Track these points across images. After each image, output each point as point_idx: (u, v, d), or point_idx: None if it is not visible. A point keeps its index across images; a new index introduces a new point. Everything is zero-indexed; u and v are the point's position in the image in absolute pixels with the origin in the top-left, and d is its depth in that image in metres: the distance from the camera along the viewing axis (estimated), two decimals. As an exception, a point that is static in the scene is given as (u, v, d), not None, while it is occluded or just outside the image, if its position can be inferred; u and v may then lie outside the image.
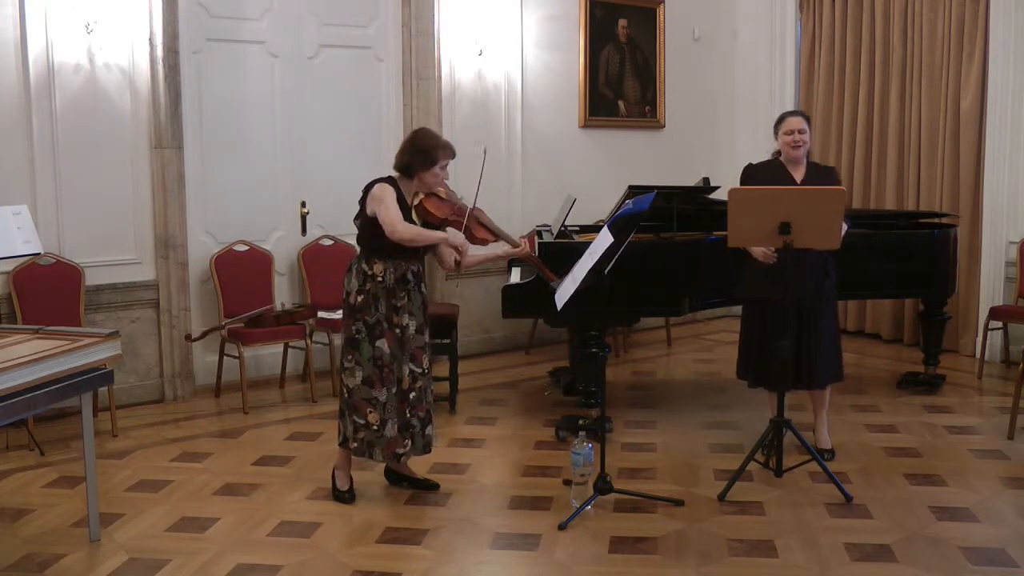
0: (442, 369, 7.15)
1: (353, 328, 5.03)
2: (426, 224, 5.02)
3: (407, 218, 4.94)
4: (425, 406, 5.14)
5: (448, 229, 5.09)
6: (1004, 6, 7.99)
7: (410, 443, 5.09)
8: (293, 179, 7.77)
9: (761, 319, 5.60)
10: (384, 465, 5.38)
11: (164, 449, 6.13)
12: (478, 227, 5.11)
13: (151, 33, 6.86)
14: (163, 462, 5.88)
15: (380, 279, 4.97)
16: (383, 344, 4.99)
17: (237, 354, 6.94)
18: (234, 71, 7.50)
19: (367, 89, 8.13)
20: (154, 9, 6.84)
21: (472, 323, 8.58)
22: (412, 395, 5.05)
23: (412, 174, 4.99)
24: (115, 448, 6.14)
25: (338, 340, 5.89)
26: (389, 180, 4.99)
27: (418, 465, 5.51)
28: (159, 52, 6.89)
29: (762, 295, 5.53)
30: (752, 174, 5.72)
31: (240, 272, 7.39)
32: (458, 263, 5.06)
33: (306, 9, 7.76)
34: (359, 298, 5.00)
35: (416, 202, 5.02)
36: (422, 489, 5.33)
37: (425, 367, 5.11)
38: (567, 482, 5.24)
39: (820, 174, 5.65)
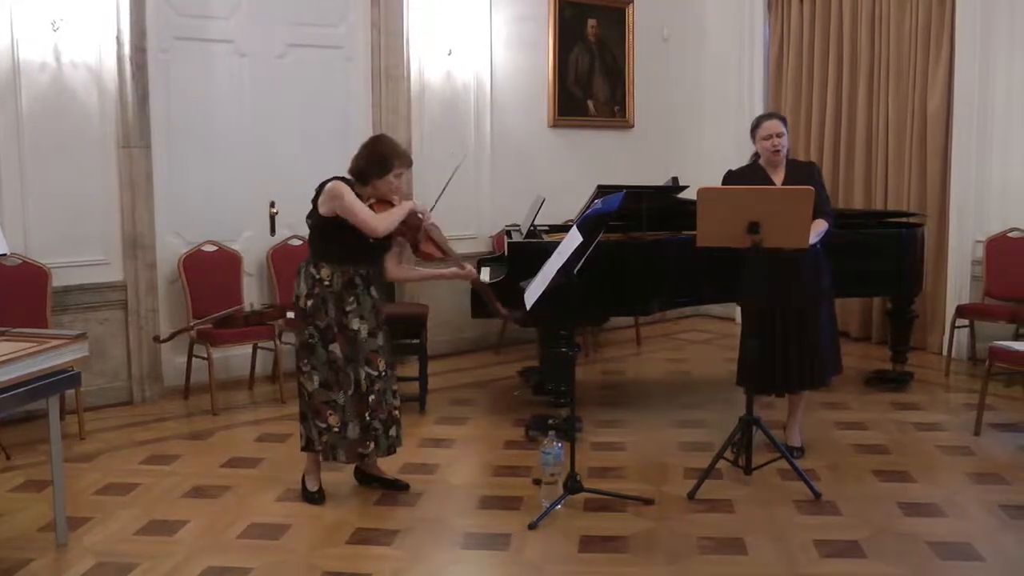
0: (411, 369, 7.14)
1: (307, 332, 5.00)
2: None
3: None
4: (386, 408, 5.10)
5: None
6: (970, 8, 8.06)
7: (373, 444, 5.07)
8: (262, 179, 7.73)
9: (760, 322, 5.59)
10: (354, 466, 5.37)
11: (132, 452, 6.09)
12: (427, 242, 5.10)
13: (118, 31, 6.81)
14: (131, 465, 5.84)
15: (327, 283, 4.94)
16: (336, 348, 4.97)
17: (206, 355, 6.90)
18: (202, 70, 7.45)
19: (336, 89, 8.11)
20: (121, 7, 6.79)
21: (442, 323, 8.56)
22: (371, 398, 5.02)
23: (366, 181, 4.97)
24: (83, 451, 6.09)
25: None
26: (345, 181, 4.96)
27: (388, 465, 5.49)
28: (126, 51, 6.84)
29: (760, 299, 5.52)
30: (732, 180, 5.71)
31: (209, 272, 7.35)
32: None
33: (275, 8, 7.72)
34: (309, 302, 4.98)
35: (368, 205, 4.99)
36: (392, 489, 5.31)
37: (381, 370, 5.06)
38: (537, 482, 5.24)
39: (801, 172, 5.66)
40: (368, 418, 5.03)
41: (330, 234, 4.89)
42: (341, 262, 4.94)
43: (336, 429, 5.01)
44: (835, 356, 5.86)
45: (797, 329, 5.60)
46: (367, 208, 4.86)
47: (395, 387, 5.23)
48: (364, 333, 5.00)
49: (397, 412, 5.22)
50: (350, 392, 5.00)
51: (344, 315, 4.96)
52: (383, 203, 5.01)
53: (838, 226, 7.19)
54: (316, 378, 5.01)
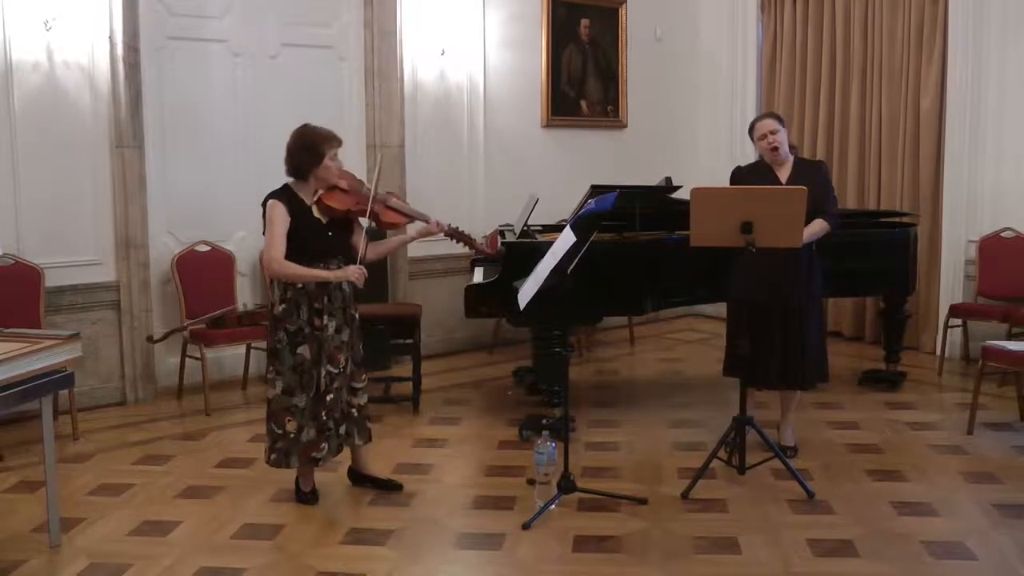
0: (405, 369, 7.14)
1: (275, 338, 4.97)
2: (331, 221, 4.98)
3: (310, 221, 4.90)
4: (340, 406, 5.04)
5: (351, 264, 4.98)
6: (963, 8, 8.07)
7: (326, 446, 5.01)
8: (255, 179, 7.65)
9: (748, 319, 5.61)
10: (347, 466, 5.37)
11: (126, 452, 6.08)
12: (387, 211, 5.07)
13: (111, 31, 6.80)
14: (125, 465, 5.83)
15: (300, 286, 4.91)
16: (304, 351, 4.93)
17: (199, 355, 6.89)
18: (196, 70, 7.45)
19: (329, 89, 8.10)
20: (114, 6, 6.78)
21: (435, 323, 8.57)
22: (329, 397, 4.97)
23: (306, 175, 4.95)
24: (76, 452, 6.08)
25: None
26: (282, 191, 4.95)
27: (381, 465, 5.50)
28: (120, 50, 6.83)
29: (746, 296, 5.55)
30: (739, 176, 5.74)
31: (202, 273, 7.34)
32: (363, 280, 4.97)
33: (268, 8, 7.72)
34: (281, 307, 4.94)
35: (316, 199, 4.98)
36: (385, 489, 5.31)
37: (341, 367, 5.01)
38: (531, 482, 5.25)
39: (807, 170, 5.67)
40: (324, 418, 4.98)
41: (290, 241, 4.85)
42: (311, 261, 4.90)
43: (292, 435, 4.96)
44: (822, 361, 5.85)
45: (783, 328, 5.60)
46: (280, 244, 4.80)
47: (360, 385, 5.17)
48: (331, 329, 4.97)
49: (354, 411, 5.15)
50: (311, 394, 4.96)
51: (316, 314, 4.93)
52: (332, 192, 4.99)
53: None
54: (279, 384, 4.96)
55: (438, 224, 5.17)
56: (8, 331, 4.64)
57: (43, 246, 6.68)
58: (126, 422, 6.73)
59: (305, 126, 5.06)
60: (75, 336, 4.56)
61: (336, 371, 4.99)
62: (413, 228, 5.31)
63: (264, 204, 4.93)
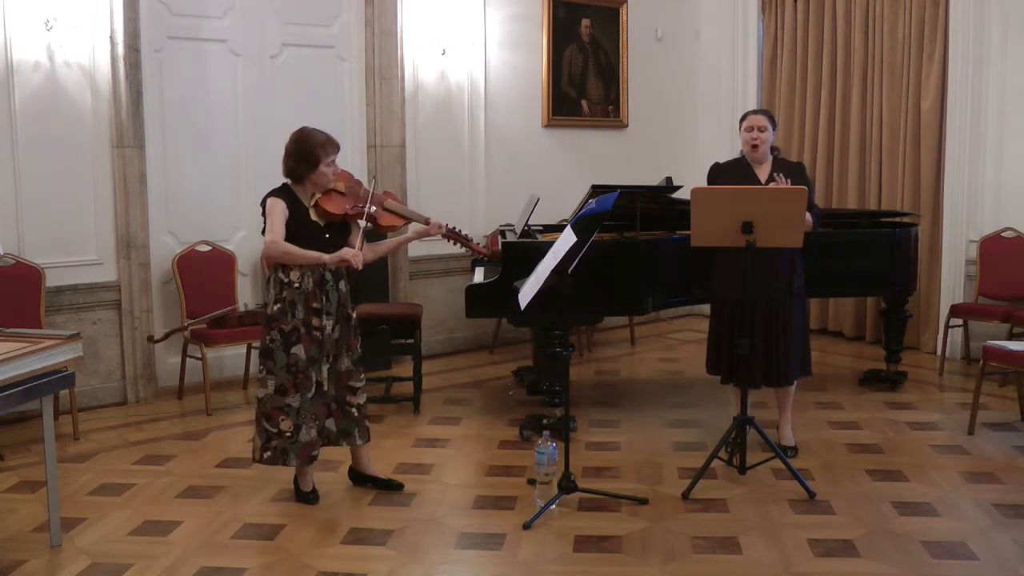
0: (406, 369, 7.15)
1: (267, 338, 4.96)
2: (329, 224, 4.99)
3: (307, 222, 4.92)
4: (328, 401, 5.05)
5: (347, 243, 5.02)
6: (963, 8, 8.07)
7: (323, 442, 5.06)
8: (256, 179, 7.69)
9: (729, 317, 5.62)
10: (348, 466, 5.37)
11: (126, 452, 6.08)
12: (383, 214, 5.08)
13: (112, 31, 6.80)
14: (125, 465, 5.83)
15: (297, 285, 4.91)
16: (299, 350, 4.91)
17: (200, 355, 6.89)
18: (196, 70, 7.45)
19: (330, 89, 8.11)
20: (115, 6, 6.78)
21: (436, 323, 8.57)
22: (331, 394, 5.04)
23: (302, 179, 4.96)
24: (77, 451, 6.08)
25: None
26: (281, 189, 4.97)
27: (382, 465, 5.50)
28: (120, 50, 6.83)
29: (730, 294, 5.55)
30: (718, 173, 5.75)
31: (203, 272, 7.33)
32: (354, 269, 4.93)
33: (268, 7, 7.72)
34: (275, 307, 4.93)
35: (313, 203, 4.99)
36: (386, 489, 5.31)
37: (330, 364, 5.03)
38: (531, 481, 5.25)
39: (786, 171, 5.65)
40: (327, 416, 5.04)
41: (289, 240, 4.84)
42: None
43: (288, 434, 4.94)
44: (804, 357, 5.85)
45: (766, 327, 5.59)
46: (280, 228, 4.82)
47: (358, 384, 5.15)
48: (329, 329, 4.98)
49: (353, 410, 5.13)
50: (309, 395, 4.95)
51: (315, 314, 4.93)
52: (329, 195, 5.00)
53: (832, 226, 7.24)
54: (271, 383, 4.94)
55: (436, 225, 5.18)
56: (9, 331, 4.64)
57: (44, 246, 6.68)
58: (126, 422, 6.73)
59: (302, 130, 5.07)
60: (76, 336, 4.56)
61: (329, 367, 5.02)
62: (411, 229, 5.31)
63: (263, 202, 4.95)
